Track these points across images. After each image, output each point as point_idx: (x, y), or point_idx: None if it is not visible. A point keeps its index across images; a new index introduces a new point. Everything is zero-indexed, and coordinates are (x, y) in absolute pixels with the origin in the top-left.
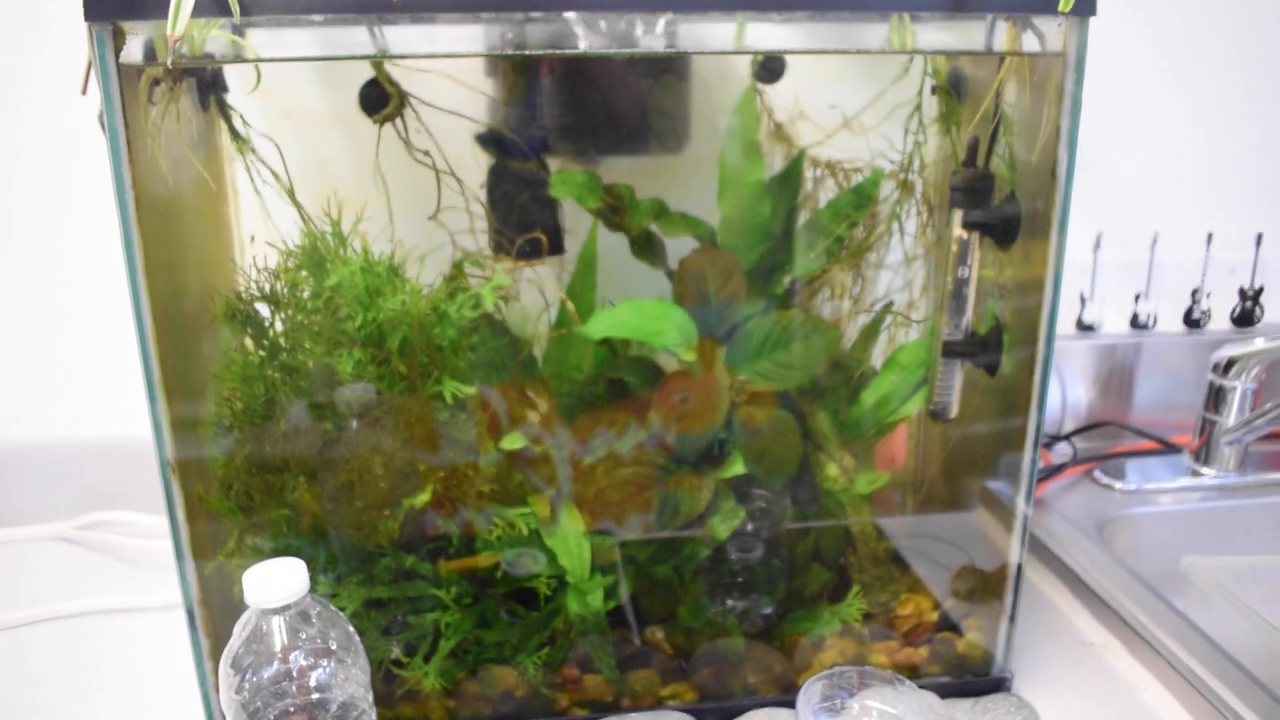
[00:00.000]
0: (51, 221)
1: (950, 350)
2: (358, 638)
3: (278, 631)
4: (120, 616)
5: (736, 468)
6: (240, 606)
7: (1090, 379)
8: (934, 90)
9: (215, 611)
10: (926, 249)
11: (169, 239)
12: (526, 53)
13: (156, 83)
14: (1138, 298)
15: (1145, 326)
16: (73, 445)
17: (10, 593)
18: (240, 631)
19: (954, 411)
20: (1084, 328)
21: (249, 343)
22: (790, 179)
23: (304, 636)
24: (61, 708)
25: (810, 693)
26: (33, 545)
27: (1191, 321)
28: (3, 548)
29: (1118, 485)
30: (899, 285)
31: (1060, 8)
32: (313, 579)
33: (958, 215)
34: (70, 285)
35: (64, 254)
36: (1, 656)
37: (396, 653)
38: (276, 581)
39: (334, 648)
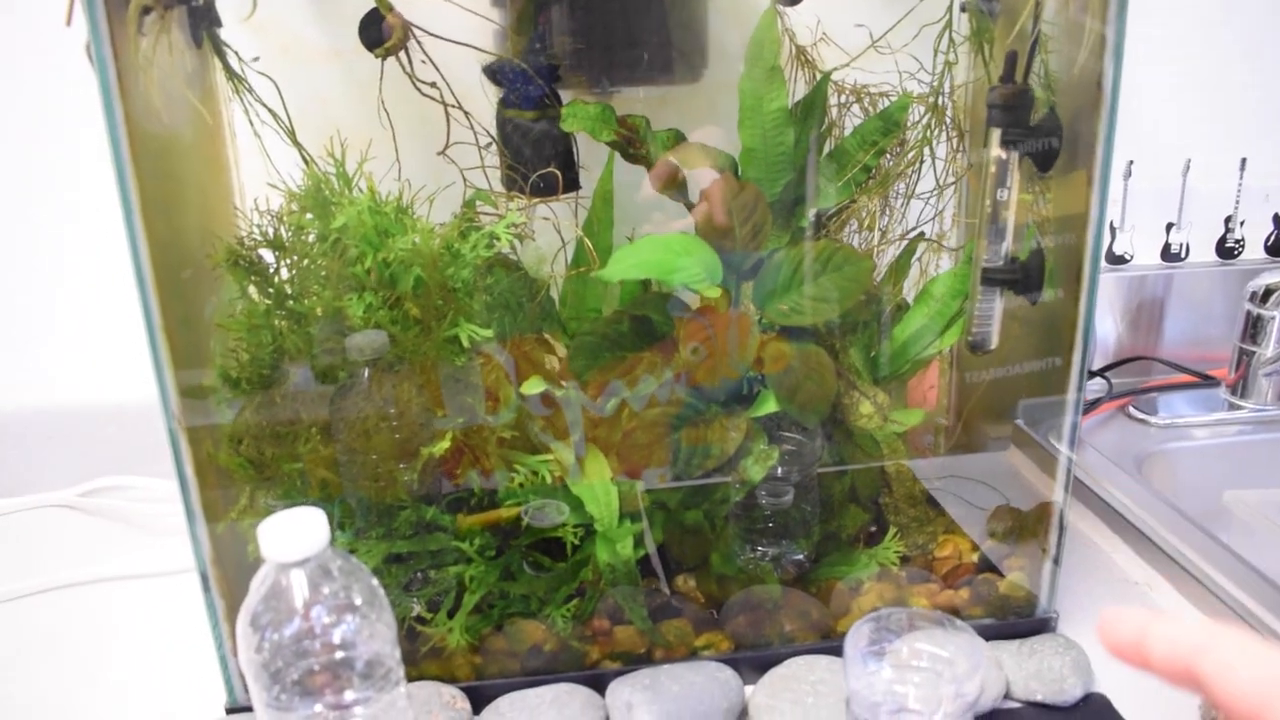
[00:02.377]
0: (43, 173)
1: (990, 278)
2: (382, 591)
3: (297, 586)
4: (130, 583)
5: (768, 406)
6: (255, 566)
7: (1120, 312)
8: (964, 7)
9: (229, 573)
10: (958, 175)
11: (165, 181)
12: None
13: (146, 11)
14: (1170, 227)
15: (1178, 257)
16: (75, 410)
17: (17, 562)
18: (258, 587)
19: (994, 343)
20: (1115, 259)
21: (253, 290)
22: (814, 106)
23: (325, 591)
24: (75, 677)
25: (858, 635)
26: (38, 514)
27: (1225, 250)
28: (7, 517)
29: (1154, 420)
30: (930, 215)
31: None
32: (330, 536)
33: (995, 135)
34: (69, 247)
35: (61, 214)
36: (11, 626)
37: (419, 609)
38: (294, 533)
39: (357, 602)
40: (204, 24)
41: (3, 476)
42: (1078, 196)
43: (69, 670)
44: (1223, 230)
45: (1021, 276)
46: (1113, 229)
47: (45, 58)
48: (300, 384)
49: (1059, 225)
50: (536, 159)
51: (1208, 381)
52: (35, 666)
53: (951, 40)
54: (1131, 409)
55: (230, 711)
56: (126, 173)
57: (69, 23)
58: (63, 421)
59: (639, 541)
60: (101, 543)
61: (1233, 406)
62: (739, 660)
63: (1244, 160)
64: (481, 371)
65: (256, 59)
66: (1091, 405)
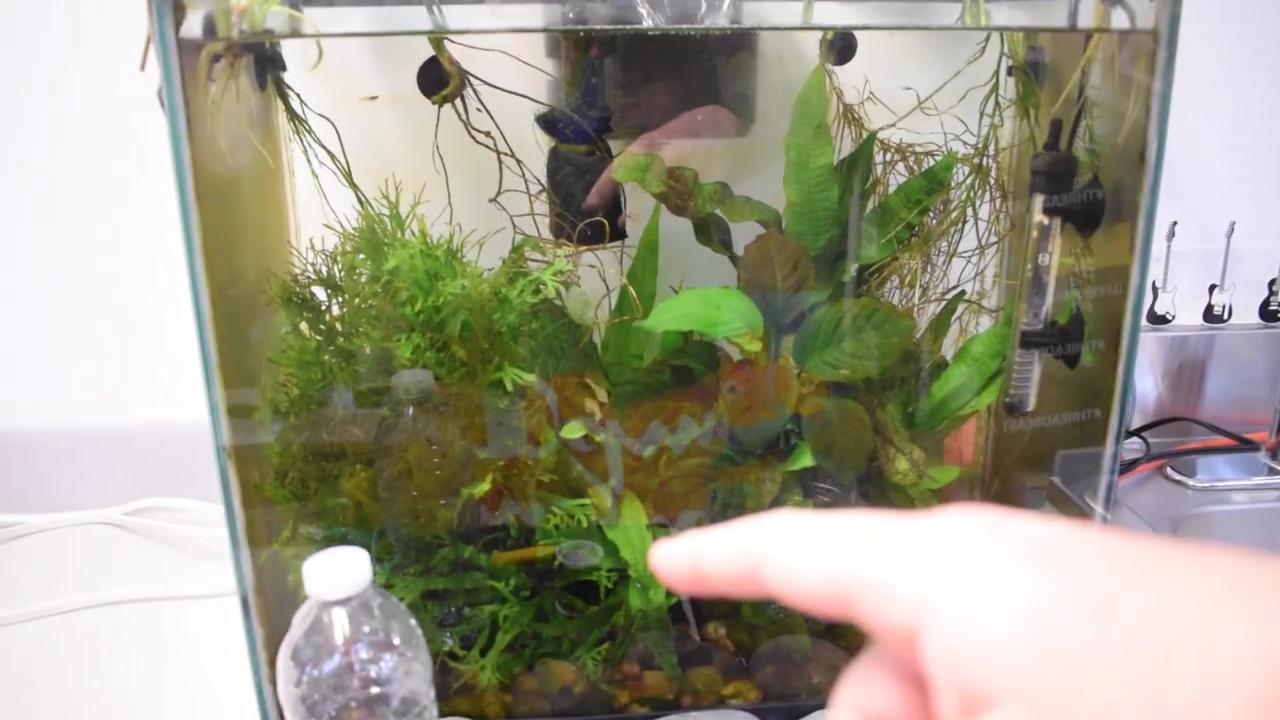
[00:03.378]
0: (106, 202)
1: (1029, 340)
2: (419, 631)
3: (339, 624)
4: (170, 604)
5: (804, 460)
6: (294, 596)
7: (1161, 372)
8: (1010, 71)
9: (269, 600)
10: (1000, 236)
11: (226, 220)
12: (586, 28)
13: (216, 59)
14: (1213, 289)
15: (1220, 318)
16: (124, 429)
17: (60, 578)
18: (300, 623)
19: (1032, 404)
20: (1156, 319)
21: (305, 327)
22: (859, 163)
23: (365, 629)
24: (112, 695)
25: None
26: (82, 530)
27: (1269, 314)
28: (53, 533)
29: (1191, 482)
30: (971, 274)
31: None
32: (372, 574)
33: (1038, 200)
34: (124, 267)
35: (118, 236)
36: (52, 642)
37: (452, 645)
38: (338, 572)
39: (396, 641)
40: (269, 68)
41: (50, 492)
42: (1120, 259)
43: (107, 688)
44: (1266, 293)
45: (1060, 340)
46: (1155, 289)
47: (119, 96)
48: (347, 419)
49: (1100, 285)
50: (586, 195)
51: (1247, 445)
52: (73, 683)
53: (998, 103)
54: (1169, 470)
55: None
56: (190, 212)
57: (143, 68)
58: (111, 440)
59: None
60: (145, 562)
61: (1273, 471)
62: (766, 710)
63: None
64: (524, 414)
65: (374, 97)
66: (1129, 465)
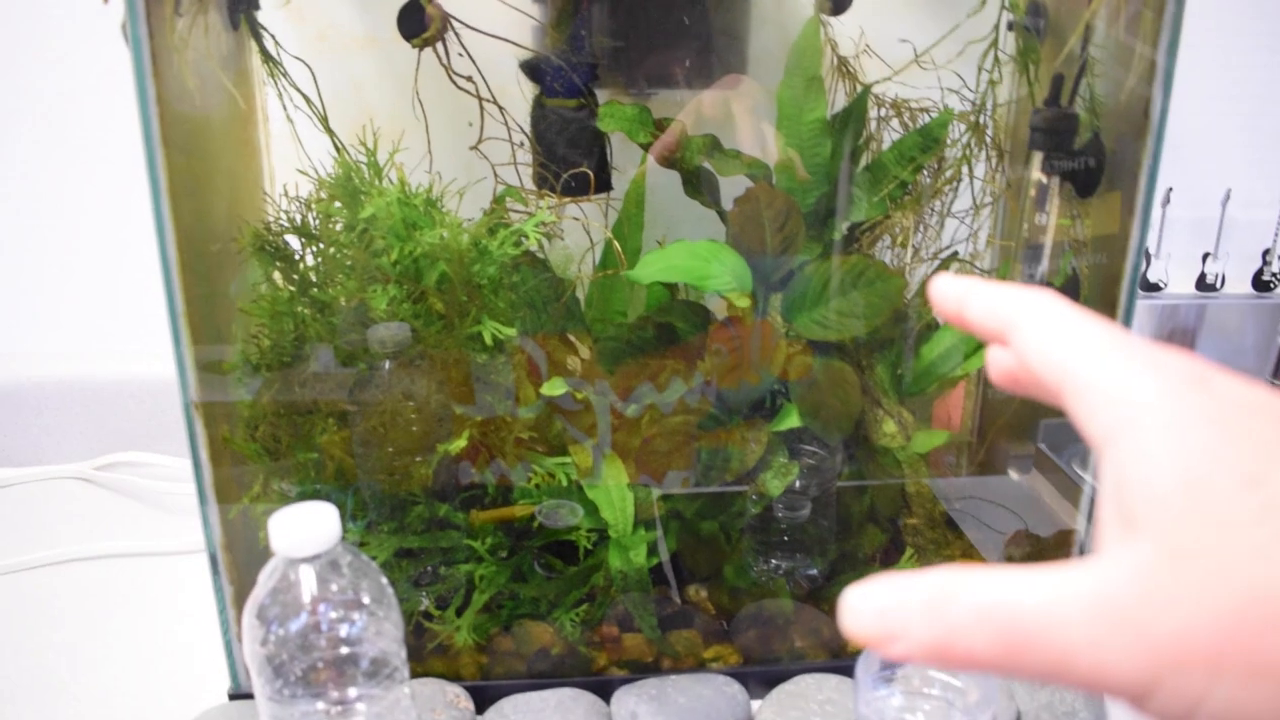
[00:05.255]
0: (74, 149)
1: None
2: (391, 590)
3: (306, 582)
4: (140, 560)
5: (791, 420)
6: (265, 552)
7: (1151, 340)
8: (1010, 26)
9: (239, 557)
10: (995, 196)
11: (195, 164)
12: None
13: None
14: (1206, 257)
15: (1212, 287)
16: (93, 383)
17: (28, 533)
18: (266, 581)
19: None
20: (1148, 286)
21: (278, 277)
22: (853, 118)
23: (334, 588)
24: (81, 651)
25: (870, 660)
26: (51, 485)
27: (1261, 283)
28: (21, 487)
29: None
30: (964, 234)
31: None
32: (341, 526)
33: (1037, 158)
34: (94, 219)
35: (87, 184)
36: (19, 597)
37: (427, 605)
38: (306, 528)
39: (365, 600)
40: (241, 6)
41: (20, 446)
42: (1114, 224)
43: (76, 643)
44: (1260, 263)
45: None
46: (1148, 256)
47: (83, 33)
48: (320, 373)
49: (1095, 249)
50: (571, 151)
51: None
52: (42, 638)
53: (997, 59)
54: None
55: (233, 698)
56: (156, 153)
57: (107, 1)
58: (82, 394)
59: (652, 549)
60: (114, 517)
61: None
62: (747, 674)
63: None
64: (504, 370)
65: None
66: None
